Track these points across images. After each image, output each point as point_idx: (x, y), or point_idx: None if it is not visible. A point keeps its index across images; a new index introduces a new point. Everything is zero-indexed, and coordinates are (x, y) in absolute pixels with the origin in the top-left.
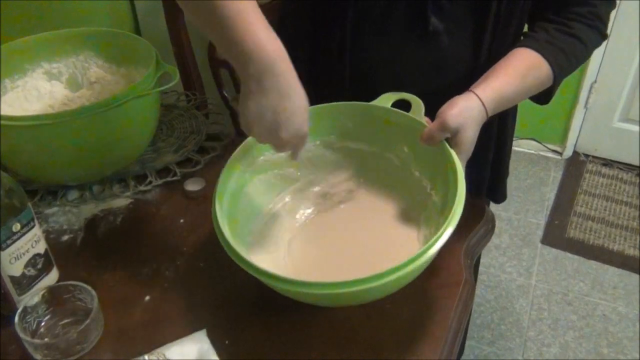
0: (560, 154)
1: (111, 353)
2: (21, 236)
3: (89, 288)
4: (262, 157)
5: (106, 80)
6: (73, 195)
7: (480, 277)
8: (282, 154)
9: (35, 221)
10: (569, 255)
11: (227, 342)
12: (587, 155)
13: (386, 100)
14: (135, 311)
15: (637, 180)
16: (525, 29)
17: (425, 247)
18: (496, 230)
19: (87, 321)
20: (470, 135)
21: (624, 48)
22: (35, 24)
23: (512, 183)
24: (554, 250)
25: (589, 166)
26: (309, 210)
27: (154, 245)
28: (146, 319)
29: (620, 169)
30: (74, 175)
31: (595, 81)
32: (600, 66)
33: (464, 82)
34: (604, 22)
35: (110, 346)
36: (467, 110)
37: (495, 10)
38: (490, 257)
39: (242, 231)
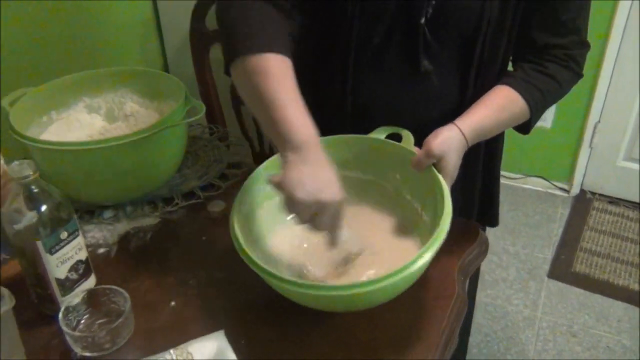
0: (568, 191)
1: (140, 349)
2: (67, 243)
3: (123, 291)
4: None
5: (140, 113)
6: (108, 214)
7: (487, 307)
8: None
9: (79, 231)
10: (575, 289)
11: (242, 342)
12: (593, 193)
13: (381, 132)
14: (162, 314)
15: None
16: (511, 67)
17: (415, 257)
18: (503, 263)
19: (121, 319)
20: (453, 161)
21: (627, 89)
22: (77, 64)
23: (520, 219)
24: (559, 284)
25: (596, 204)
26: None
27: (179, 259)
28: (171, 321)
29: (626, 206)
30: (110, 196)
31: (599, 121)
32: (603, 107)
33: (451, 116)
34: (578, 63)
35: (140, 343)
36: (449, 140)
37: (479, 55)
38: (497, 290)
39: (255, 244)
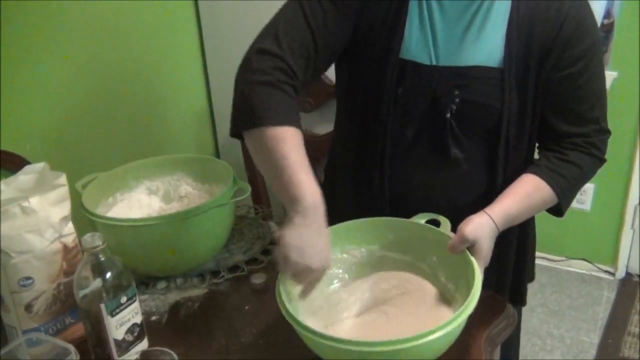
0: (613, 274)
1: None
2: (126, 307)
3: (172, 352)
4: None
5: (193, 195)
6: (161, 285)
7: None
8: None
9: (137, 297)
10: None
11: None
12: None
13: (421, 217)
14: None
15: None
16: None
17: (443, 323)
18: (547, 347)
19: None
20: (485, 246)
21: None
22: (140, 151)
23: (564, 301)
24: None
25: None
26: (352, 301)
27: (224, 326)
28: None
29: None
30: (163, 268)
31: (639, 203)
32: None
33: (482, 201)
34: (599, 148)
35: None
36: (480, 226)
37: (504, 144)
38: None
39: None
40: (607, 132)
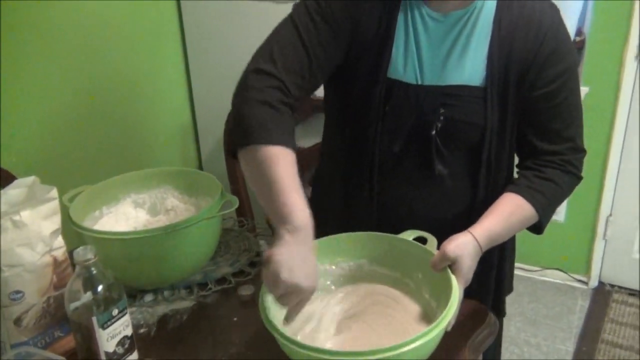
0: (586, 283)
1: None
2: (117, 320)
3: None
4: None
5: (179, 208)
6: (149, 297)
7: None
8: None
9: (127, 310)
10: None
11: None
12: (612, 286)
13: (409, 234)
14: None
15: None
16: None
17: (414, 336)
18: (525, 355)
19: None
20: (466, 265)
21: (634, 182)
22: (125, 164)
23: (540, 310)
24: None
25: (615, 296)
26: (336, 310)
27: (212, 338)
28: None
29: None
30: (151, 281)
31: (610, 214)
32: (613, 200)
33: (465, 216)
34: (575, 166)
35: None
36: (462, 245)
37: (486, 160)
38: None
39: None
40: (583, 151)
